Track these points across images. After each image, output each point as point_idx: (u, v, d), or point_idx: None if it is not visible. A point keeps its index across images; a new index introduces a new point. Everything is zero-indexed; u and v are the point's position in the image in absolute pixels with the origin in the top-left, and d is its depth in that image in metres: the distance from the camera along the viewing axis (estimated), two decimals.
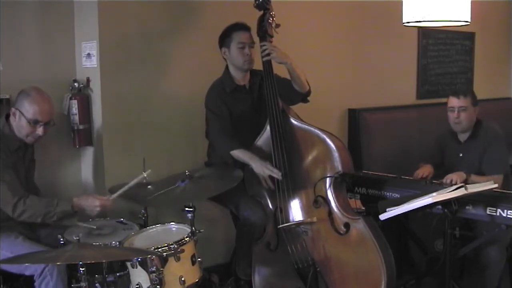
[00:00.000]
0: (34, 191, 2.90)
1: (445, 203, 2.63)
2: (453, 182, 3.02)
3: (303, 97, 3.25)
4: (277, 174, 2.94)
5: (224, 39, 3.19)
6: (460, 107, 3.36)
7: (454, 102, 3.39)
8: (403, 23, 3.31)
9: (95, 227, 2.73)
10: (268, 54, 3.04)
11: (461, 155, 3.44)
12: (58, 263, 2.43)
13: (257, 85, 3.27)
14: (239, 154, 3.08)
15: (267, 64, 3.07)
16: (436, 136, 3.69)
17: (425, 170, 3.40)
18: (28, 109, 2.71)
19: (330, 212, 2.90)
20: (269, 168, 2.96)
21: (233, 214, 3.33)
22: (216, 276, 3.44)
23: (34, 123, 2.72)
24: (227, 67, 3.26)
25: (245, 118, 3.23)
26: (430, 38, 5.00)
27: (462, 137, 3.45)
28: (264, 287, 3.02)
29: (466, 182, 3.05)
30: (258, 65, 3.20)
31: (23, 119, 2.71)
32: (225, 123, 3.15)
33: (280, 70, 3.18)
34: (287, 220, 2.97)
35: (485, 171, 3.32)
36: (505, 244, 3.03)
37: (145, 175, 2.78)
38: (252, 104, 3.25)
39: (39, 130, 2.75)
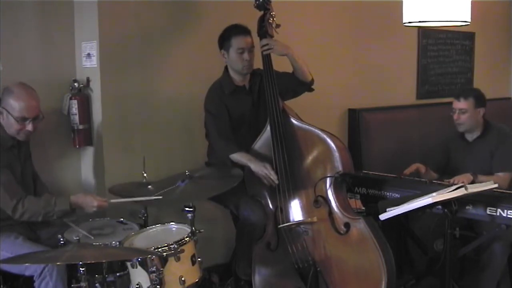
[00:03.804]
0: (36, 185, 2.91)
1: (445, 203, 2.63)
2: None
3: (308, 86, 3.26)
4: (274, 178, 2.94)
5: (223, 42, 3.18)
6: (460, 110, 3.37)
7: (455, 104, 3.42)
8: (403, 23, 3.31)
9: (92, 237, 2.70)
10: (269, 48, 3.06)
11: (469, 154, 3.43)
12: (58, 263, 2.43)
13: (257, 85, 3.26)
14: (237, 157, 3.08)
15: (267, 59, 3.08)
16: (442, 139, 3.69)
17: (412, 168, 3.42)
18: (13, 107, 2.67)
19: (330, 212, 2.90)
20: (268, 169, 2.96)
21: (233, 214, 3.33)
22: (216, 276, 3.43)
23: (22, 120, 2.69)
24: (226, 67, 3.25)
25: (245, 119, 3.23)
26: (430, 38, 5.00)
27: (470, 136, 3.45)
28: (264, 287, 3.02)
29: (473, 183, 3.06)
30: (258, 64, 3.20)
31: (11, 117, 2.68)
32: (223, 126, 3.15)
33: (280, 66, 3.18)
34: (288, 220, 2.97)
35: (494, 169, 3.32)
36: (509, 243, 3.02)
37: (153, 198, 2.74)
38: (252, 104, 3.25)
39: (29, 126, 2.71)
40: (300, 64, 3.17)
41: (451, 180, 3.12)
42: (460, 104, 3.39)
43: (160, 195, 2.73)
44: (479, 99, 3.42)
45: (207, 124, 3.25)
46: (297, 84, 3.24)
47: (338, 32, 4.34)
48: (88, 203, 2.70)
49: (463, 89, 3.52)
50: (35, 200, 2.69)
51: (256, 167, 3.00)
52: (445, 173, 3.53)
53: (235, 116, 3.19)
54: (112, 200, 2.77)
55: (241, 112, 3.22)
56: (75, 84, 3.24)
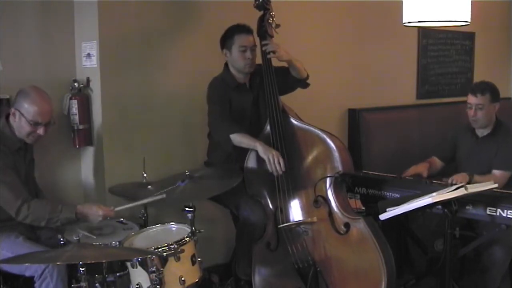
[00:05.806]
0: (35, 190, 2.90)
1: (445, 203, 2.63)
2: (458, 183, 3.02)
3: (303, 82, 3.25)
4: (280, 167, 2.90)
5: (226, 40, 3.17)
6: (477, 105, 3.34)
7: (471, 99, 3.37)
8: (403, 23, 3.31)
9: (95, 237, 2.71)
10: (273, 52, 3.04)
11: (475, 150, 3.43)
12: (58, 263, 2.43)
13: (257, 83, 3.26)
14: (240, 138, 3.04)
15: (267, 62, 3.08)
16: (453, 130, 3.68)
17: (412, 171, 3.42)
18: (28, 110, 2.67)
19: (330, 212, 2.90)
20: (276, 156, 2.91)
21: (233, 214, 3.33)
22: (216, 276, 3.44)
23: (34, 124, 2.69)
24: (226, 64, 3.25)
25: (247, 115, 3.23)
26: (430, 38, 5.00)
27: (481, 132, 3.44)
28: (264, 287, 3.02)
29: (469, 182, 3.05)
30: (258, 61, 3.19)
31: (23, 119, 2.68)
32: (225, 112, 3.13)
33: (277, 62, 3.17)
34: (287, 220, 2.97)
35: (493, 165, 3.32)
36: (510, 245, 3.02)
37: (159, 197, 2.74)
38: (253, 102, 3.25)
39: (40, 130, 2.72)
40: (298, 66, 3.15)
41: (449, 180, 3.12)
42: (477, 100, 3.34)
43: (163, 194, 2.72)
44: (495, 94, 3.40)
45: (209, 114, 3.22)
46: (293, 81, 3.23)
47: (338, 32, 4.33)
48: (94, 213, 2.68)
49: (478, 83, 3.48)
50: (41, 204, 2.66)
51: (264, 150, 2.93)
52: (450, 164, 3.54)
53: (237, 111, 3.18)
54: (118, 208, 2.74)
55: (243, 108, 3.21)
56: (75, 84, 3.24)
